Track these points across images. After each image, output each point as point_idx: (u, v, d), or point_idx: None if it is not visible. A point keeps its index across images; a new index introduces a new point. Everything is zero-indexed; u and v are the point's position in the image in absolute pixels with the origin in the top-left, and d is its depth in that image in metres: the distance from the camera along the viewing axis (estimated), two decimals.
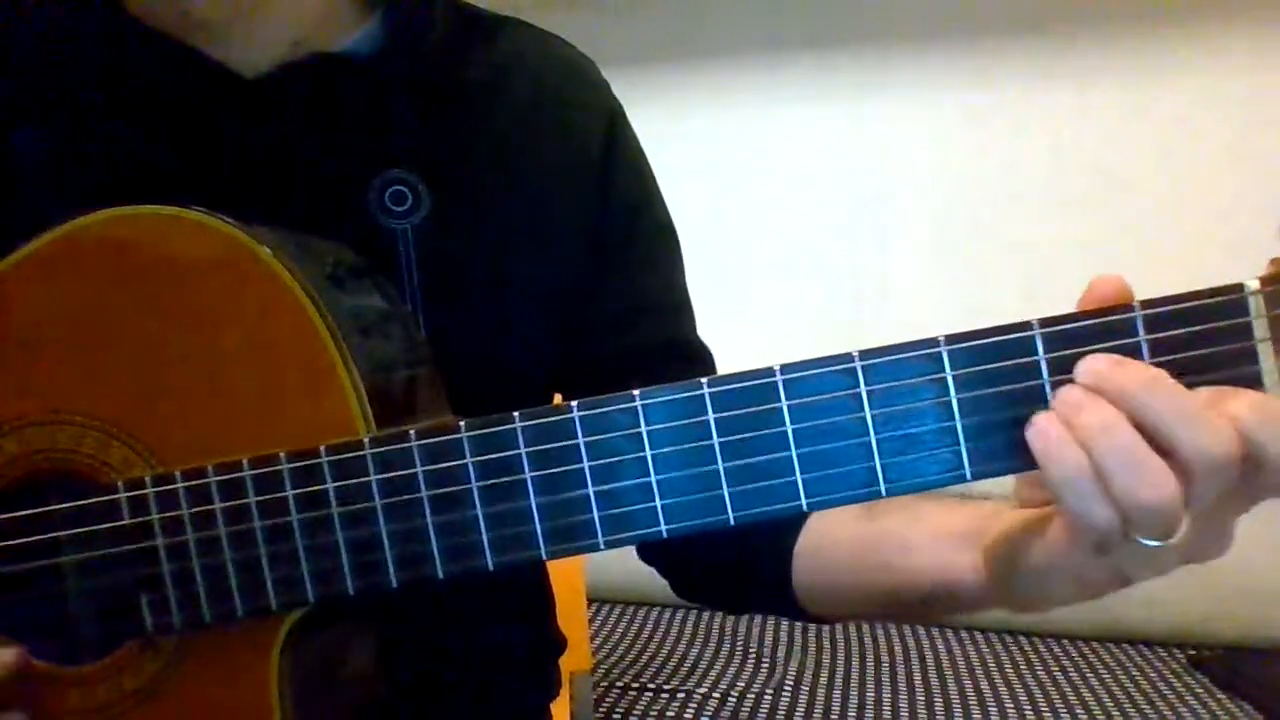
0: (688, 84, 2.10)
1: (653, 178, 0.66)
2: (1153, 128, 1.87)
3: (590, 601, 1.90)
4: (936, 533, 0.50)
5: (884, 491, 0.39)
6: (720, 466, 0.40)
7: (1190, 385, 0.37)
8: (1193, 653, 1.75)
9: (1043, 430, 0.37)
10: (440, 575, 0.43)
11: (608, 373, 0.60)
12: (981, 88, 1.95)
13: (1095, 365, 0.37)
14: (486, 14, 0.62)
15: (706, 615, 1.94)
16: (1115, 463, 0.35)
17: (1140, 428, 0.36)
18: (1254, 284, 0.37)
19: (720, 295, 2.03)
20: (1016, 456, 0.38)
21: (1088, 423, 0.36)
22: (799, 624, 1.87)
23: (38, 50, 0.54)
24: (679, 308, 0.66)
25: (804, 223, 2.07)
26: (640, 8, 2.08)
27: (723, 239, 2.07)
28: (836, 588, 0.57)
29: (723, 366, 0.42)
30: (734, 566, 0.61)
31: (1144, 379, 0.36)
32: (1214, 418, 0.35)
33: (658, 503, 0.41)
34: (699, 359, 0.65)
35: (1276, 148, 1.78)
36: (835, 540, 0.56)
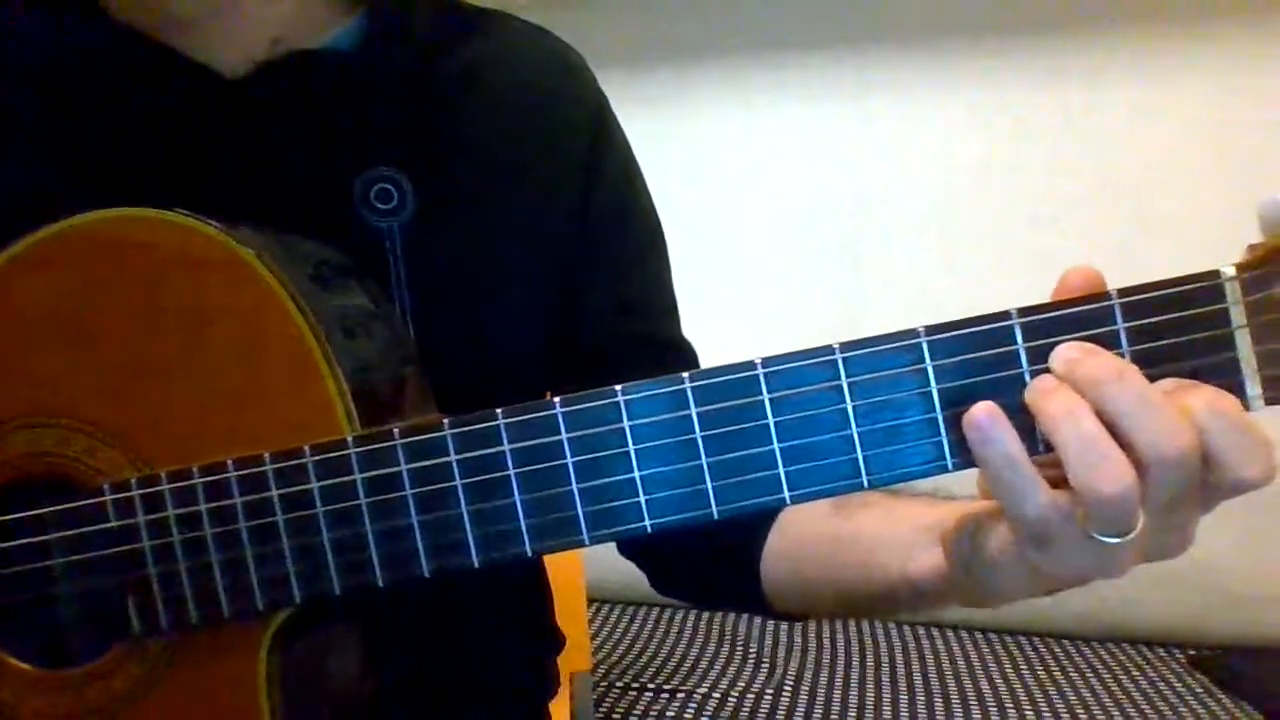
0: (689, 82, 2.10)
1: (640, 174, 0.66)
2: (1160, 128, 1.87)
3: (590, 601, 1.90)
4: (905, 528, 0.50)
5: (866, 484, 0.39)
6: (703, 461, 0.40)
7: (1168, 372, 0.37)
8: (1193, 653, 1.74)
9: (971, 421, 0.37)
10: (426, 574, 0.43)
11: (592, 370, 0.60)
12: (987, 87, 1.95)
13: (1068, 354, 0.37)
14: (471, 7, 0.62)
15: (706, 615, 1.94)
16: (1076, 452, 0.35)
17: (1103, 418, 0.36)
18: (1230, 270, 0.37)
19: (721, 295, 2.03)
20: None
21: (1054, 411, 0.36)
22: (799, 624, 1.87)
23: (18, 51, 0.54)
24: (664, 306, 0.66)
25: (807, 223, 2.07)
26: (641, 6, 2.08)
27: (725, 238, 2.07)
28: (802, 584, 0.57)
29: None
30: (706, 564, 0.61)
31: (1111, 369, 0.36)
32: (1174, 413, 0.35)
33: (642, 498, 0.41)
34: (683, 358, 0.65)
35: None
36: (804, 536, 0.56)
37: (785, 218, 2.08)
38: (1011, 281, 1.93)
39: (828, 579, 0.54)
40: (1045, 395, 0.37)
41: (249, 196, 0.52)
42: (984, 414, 0.37)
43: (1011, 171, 1.95)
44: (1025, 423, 0.37)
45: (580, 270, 0.61)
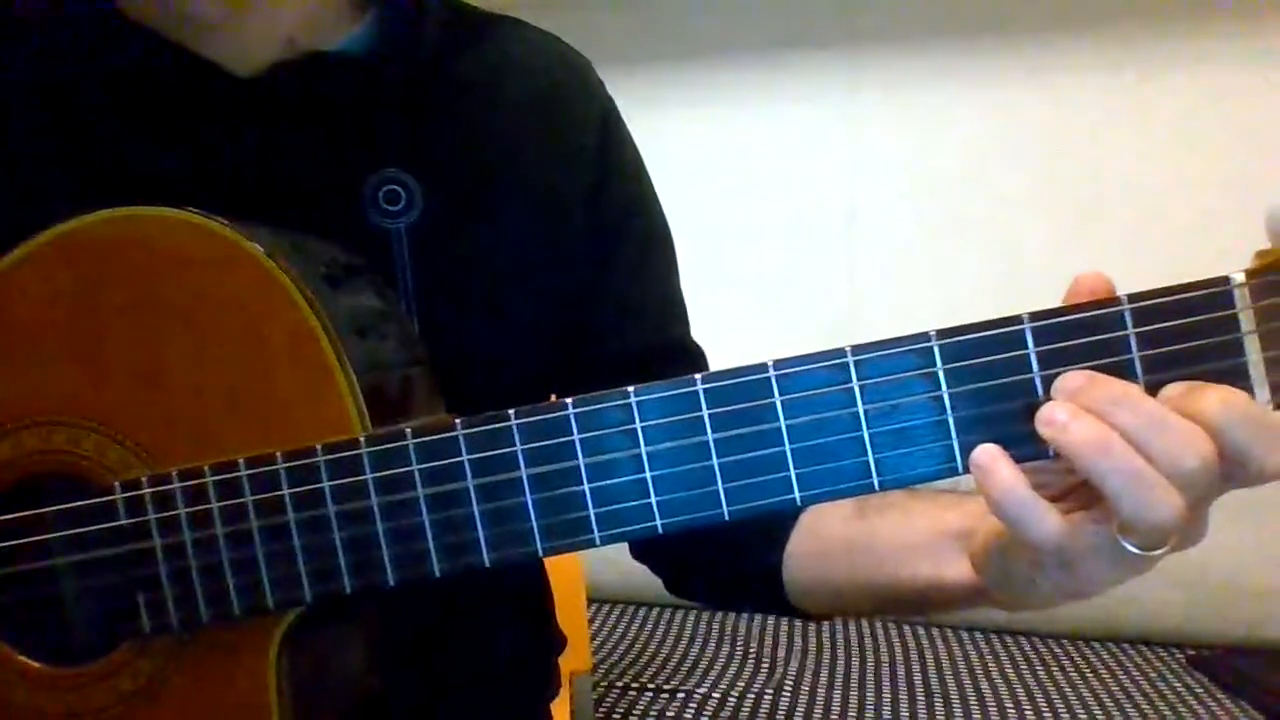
0: (682, 83, 2.10)
1: (648, 178, 0.66)
2: (1148, 128, 1.87)
3: (590, 601, 1.90)
4: (929, 533, 0.50)
5: (877, 485, 0.40)
6: (715, 462, 0.40)
7: (1177, 377, 0.37)
8: (1193, 653, 1.75)
9: (973, 462, 0.37)
10: (437, 573, 0.43)
11: (602, 375, 0.60)
12: (981, 87, 1.95)
13: (1073, 382, 0.37)
14: (481, 12, 0.62)
15: (706, 615, 1.95)
16: (1121, 487, 0.36)
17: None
18: (1240, 277, 0.37)
19: (714, 297, 2.02)
20: (1009, 449, 0.38)
21: (1080, 443, 0.36)
22: (799, 624, 1.87)
23: (30, 47, 0.54)
24: (673, 310, 0.66)
25: (798, 223, 2.07)
26: (637, 7, 2.08)
27: (717, 238, 2.07)
28: (829, 586, 0.57)
29: (717, 368, 0.42)
30: (727, 565, 0.61)
31: (1118, 393, 0.36)
32: (1186, 426, 0.35)
33: (653, 499, 0.41)
34: (693, 361, 0.66)
35: (1273, 147, 1.78)
36: (828, 539, 0.56)
37: (778, 218, 2.09)
38: (1005, 279, 1.94)
39: (851, 581, 0.55)
40: (1064, 429, 0.36)
41: (258, 196, 0.52)
42: (984, 455, 0.37)
43: (1005, 171, 1.95)
44: (1034, 431, 0.37)
45: (589, 274, 0.61)
